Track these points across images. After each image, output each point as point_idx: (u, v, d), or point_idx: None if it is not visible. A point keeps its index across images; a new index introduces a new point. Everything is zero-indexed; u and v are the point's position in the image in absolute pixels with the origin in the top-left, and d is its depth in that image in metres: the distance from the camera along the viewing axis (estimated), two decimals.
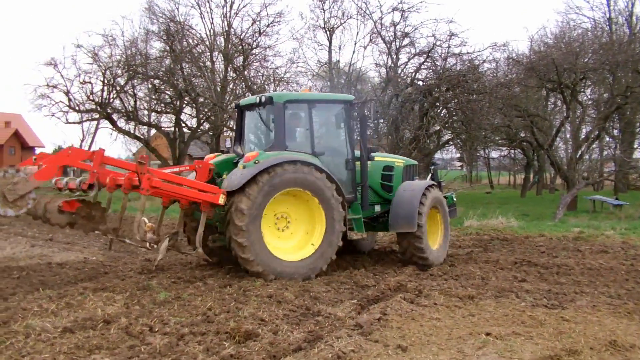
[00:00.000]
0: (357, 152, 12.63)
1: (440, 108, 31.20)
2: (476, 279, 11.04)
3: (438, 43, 30.50)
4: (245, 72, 36.08)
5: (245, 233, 10.66)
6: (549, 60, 30.03)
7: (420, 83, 31.53)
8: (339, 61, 37.41)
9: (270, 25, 36.52)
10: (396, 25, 31.72)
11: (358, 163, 12.52)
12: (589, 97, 37.37)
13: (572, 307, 8.88)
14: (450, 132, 33.65)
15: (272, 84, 35.62)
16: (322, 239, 11.39)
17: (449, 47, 30.52)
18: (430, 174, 14.44)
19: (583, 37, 35.51)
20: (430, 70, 31.66)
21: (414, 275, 11.44)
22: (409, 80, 31.98)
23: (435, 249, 12.69)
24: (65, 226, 10.77)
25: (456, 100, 30.42)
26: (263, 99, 11.96)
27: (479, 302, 9.14)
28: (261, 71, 37.20)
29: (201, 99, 37.06)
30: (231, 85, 37.72)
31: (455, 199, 14.00)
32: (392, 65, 32.45)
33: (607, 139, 39.33)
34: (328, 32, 35.85)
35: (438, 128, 31.69)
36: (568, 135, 35.97)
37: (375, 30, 32.81)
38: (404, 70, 32.64)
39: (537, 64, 31.46)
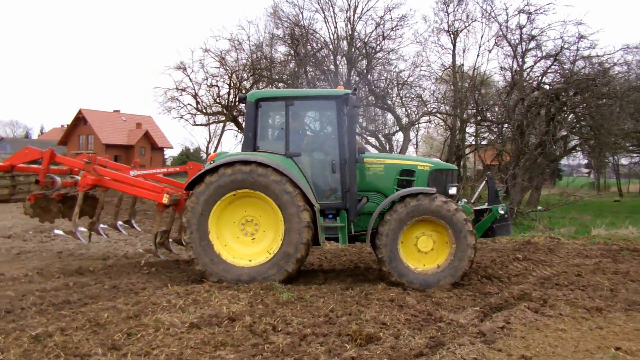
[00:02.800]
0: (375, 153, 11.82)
1: (568, 113, 30.21)
2: (604, 291, 10.62)
3: (566, 46, 29.64)
4: (369, 76, 36.16)
5: (188, 231, 10.73)
6: None
7: (547, 87, 30.72)
8: (462, 65, 37.04)
9: (394, 29, 36.49)
10: (522, 28, 31.08)
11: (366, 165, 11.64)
12: None
13: None
14: (577, 137, 32.57)
15: (395, 88, 35.59)
16: (279, 247, 10.71)
17: (577, 49, 29.60)
18: (485, 182, 12.95)
19: None
20: (558, 74, 30.81)
21: (539, 285, 11.14)
22: (535, 84, 31.26)
23: (423, 269, 10.86)
24: (33, 216, 12.49)
25: (585, 104, 29.45)
26: (239, 99, 11.88)
27: (608, 315, 8.82)
28: (384, 75, 37.22)
29: None
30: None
31: (502, 213, 11.71)
32: (518, 68, 31.78)
33: None
34: (452, 36, 35.58)
35: (565, 133, 30.75)
36: None
37: (501, 33, 32.29)
38: (530, 73, 31.92)
39: None
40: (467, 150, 37.17)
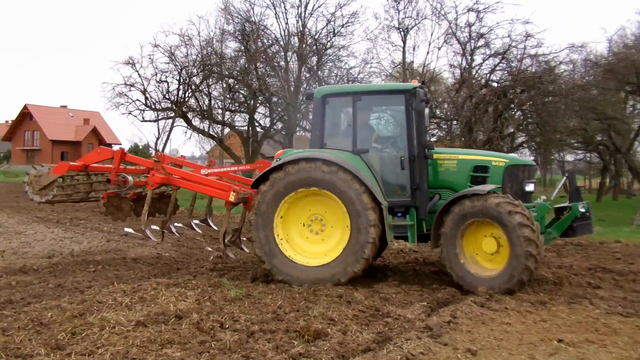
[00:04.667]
0: (441, 149, 11.63)
1: (515, 110, 30.79)
2: (549, 284, 10.80)
3: (514, 44, 30.20)
4: (319, 72, 36.24)
5: (254, 228, 10.69)
6: (628, 62, 29.26)
7: (495, 84, 31.21)
8: (412, 62, 37.30)
9: (345, 26, 36.68)
10: (471, 26, 31.51)
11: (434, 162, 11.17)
12: None
13: None
14: (524, 134, 33.14)
15: (346, 84, 35.72)
16: (345, 246, 10.44)
17: (524, 48, 30.19)
18: (565, 178, 12.19)
19: None
20: (505, 72, 31.34)
21: None
22: (483, 81, 31.72)
23: (482, 272, 10.22)
24: (106, 214, 12.79)
25: (531, 102, 30.05)
26: (306, 96, 11.80)
27: (552, 308, 8.96)
28: (335, 71, 37.36)
29: (275, 99, 37.41)
30: (305, 85, 37.95)
31: (583, 211, 10.93)
32: (467, 66, 32.21)
33: None
34: (402, 33, 35.80)
35: (512, 130, 31.28)
36: None
37: (450, 30, 32.64)
38: (479, 71, 32.39)
39: (616, 65, 30.75)
40: None
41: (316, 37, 36.70)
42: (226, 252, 11.85)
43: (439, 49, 37.16)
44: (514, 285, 9.84)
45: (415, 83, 11.43)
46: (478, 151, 12.94)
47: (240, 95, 39.54)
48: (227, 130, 44.86)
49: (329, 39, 37.02)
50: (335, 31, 36.62)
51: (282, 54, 37.27)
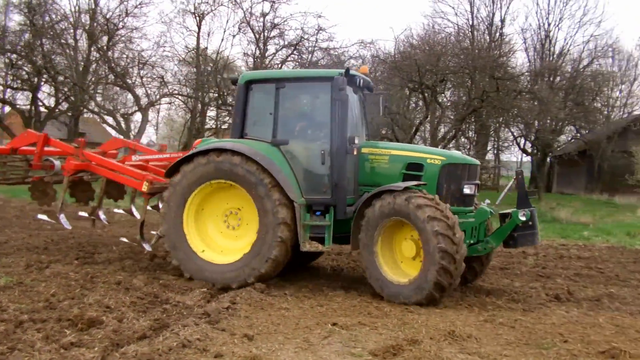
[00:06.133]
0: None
1: None
2: (328, 271, 11.23)
3: (306, 36, 30.97)
4: (109, 53, 35.17)
5: (164, 222, 10.10)
6: (412, 61, 30.88)
7: None
8: (206, 48, 37.24)
9: (139, 6, 35.86)
10: (265, 16, 31.93)
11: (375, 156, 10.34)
12: (448, 98, 38.76)
13: None
14: None
15: (136, 67, 35.02)
16: (252, 245, 9.67)
17: (316, 41, 31.05)
18: (513, 180, 10.47)
19: (446, 40, 36.70)
20: (297, 63, 32.03)
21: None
22: None
23: (397, 280, 9.14)
24: (33, 199, 12.54)
25: None
26: (232, 81, 11.12)
27: (329, 293, 9.33)
28: (126, 53, 36.47)
29: (61, 78, 35.88)
30: (94, 66, 36.72)
31: (524, 219, 9.65)
32: (260, 55, 32.59)
33: (463, 139, 40.98)
34: (198, 18, 35.56)
35: None
36: (427, 134, 37.24)
37: (245, 19, 32.85)
38: (272, 61, 32.85)
39: (401, 63, 32.31)
40: (208, 134, 37.42)
41: (108, 16, 35.54)
42: (142, 244, 11.10)
43: (234, 36, 37.46)
44: (431, 289, 8.77)
45: (364, 70, 11.03)
46: (414, 146, 12.39)
47: (24, 72, 37.42)
48: (7, 108, 42.34)
49: (121, 18, 36.02)
50: (129, 11, 35.71)
51: (71, 31, 35.79)
